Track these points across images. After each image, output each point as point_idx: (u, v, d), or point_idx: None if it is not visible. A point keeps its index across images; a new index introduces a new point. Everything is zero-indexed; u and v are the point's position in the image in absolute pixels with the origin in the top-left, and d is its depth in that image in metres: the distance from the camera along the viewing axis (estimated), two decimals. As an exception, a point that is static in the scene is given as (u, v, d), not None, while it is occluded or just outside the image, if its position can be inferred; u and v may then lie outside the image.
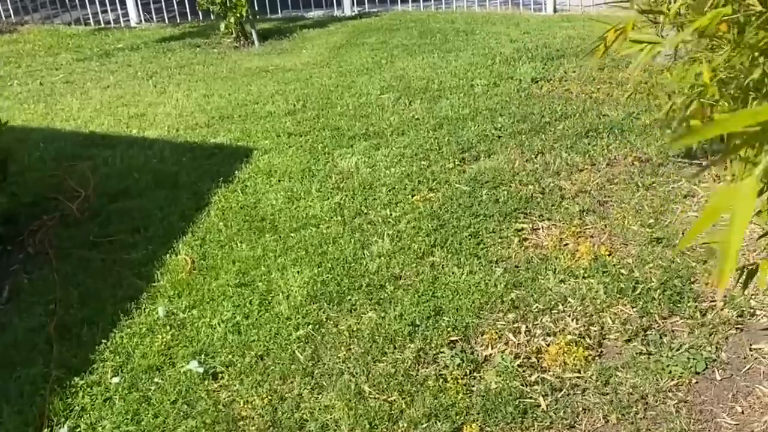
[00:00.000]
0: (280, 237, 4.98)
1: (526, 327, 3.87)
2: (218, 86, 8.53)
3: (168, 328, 4.13)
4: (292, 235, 5.00)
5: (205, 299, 4.36)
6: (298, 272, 4.54)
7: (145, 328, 4.15)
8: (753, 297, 3.87)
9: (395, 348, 3.81)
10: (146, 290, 4.53)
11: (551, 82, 7.39)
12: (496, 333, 3.84)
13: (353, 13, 12.04)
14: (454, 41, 9.56)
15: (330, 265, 4.56)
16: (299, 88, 8.10)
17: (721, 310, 3.84)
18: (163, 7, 12.70)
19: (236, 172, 6.11)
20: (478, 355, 3.73)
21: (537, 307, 4.00)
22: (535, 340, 3.79)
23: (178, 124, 7.46)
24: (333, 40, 10.34)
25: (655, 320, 3.81)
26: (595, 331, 3.79)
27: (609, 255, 4.41)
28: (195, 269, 4.73)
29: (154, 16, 12.78)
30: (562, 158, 5.64)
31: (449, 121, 6.64)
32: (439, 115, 6.83)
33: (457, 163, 5.77)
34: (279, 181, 5.85)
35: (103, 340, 4.05)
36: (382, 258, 4.59)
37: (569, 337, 3.75)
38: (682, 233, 4.52)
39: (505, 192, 5.21)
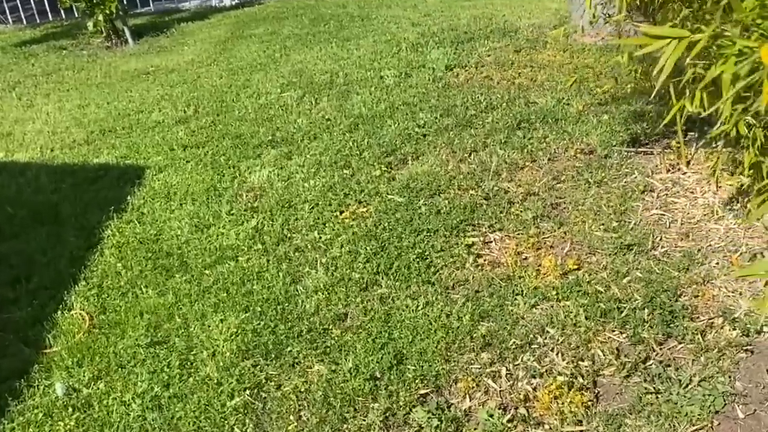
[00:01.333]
0: (192, 276, 4.22)
1: (507, 369, 3.28)
2: (94, 94, 7.57)
3: (71, 410, 3.34)
4: (207, 272, 4.24)
5: (112, 366, 3.58)
6: (221, 320, 3.81)
7: (41, 413, 3.34)
8: (755, 311, 3.41)
9: (356, 411, 3.16)
10: (37, 360, 3.71)
11: (467, 68, 6.84)
12: (473, 380, 3.24)
13: (233, 2, 11.16)
14: (351, 28, 8.89)
15: (259, 308, 3.85)
16: (187, 91, 7.25)
17: (721, 328, 3.36)
18: (19, 5, 11.42)
19: (129, 197, 5.27)
20: (456, 410, 3.12)
21: (514, 342, 3.42)
22: (520, 384, 3.21)
23: (53, 142, 6.51)
24: (216, 34, 9.48)
25: (652, 348, 3.30)
26: (586, 367, 3.24)
27: (578, 268, 3.88)
28: (94, 327, 3.92)
29: (8, 17, 11.47)
30: (499, 156, 5.08)
31: (365, 120, 5.98)
32: (352, 113, 6.16)
33: (383, 169, 5.13)
34: (181, 204, 5.05)
35: (-14, 441, 3.21)
36: (320, 293, 3.91)
37: (559, 378, 3.18)
38: (652, 236, 4.03)
39: (446, 201, 4.61)
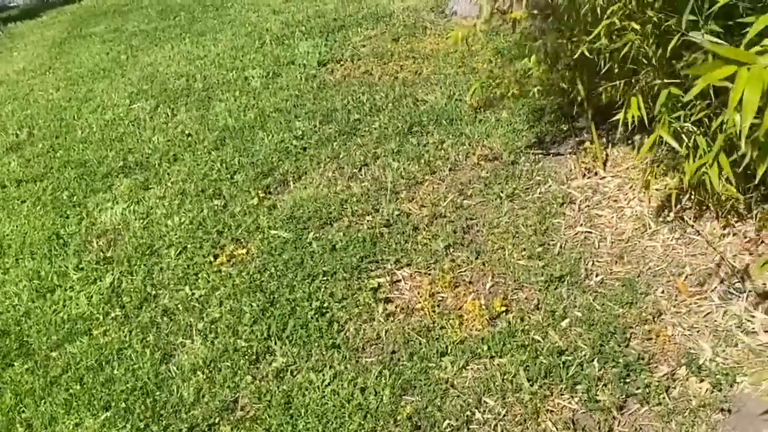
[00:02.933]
0: (36, 363, 3.37)
1: (447, 464, 2.63)
2: None
3: None
4: (54, 355, 3.40)
5: None
6: (76, 425, 3.01)
7: None
8: (721, 355, 2.90)
9: None
10: None
11: (343, 63, 6.11)
12: (407, 485, 2.57)
13: (69, -4, 9.97)
14: (204, 20, 7.97)
15: (123, 404, 3.06)
16: (19, 109, 6.20)
17: (687, 380, 2.83)
18: None
19: (-51, 254, 4.29)
20: None
21: (448, 424, 2.78)
22: (464, 482, 2.56)
23: None
24: (51, 35, 8.33)
25: (612, 415, 2.73)
26: (541, 450, 2.64)
27: (506, 310, 3.28)
28: None
29: None
30: (394, 169, 4.42)
31: (232, 133, 5.18)
32: (216, 125, 5.34)
33: (261, 195, 4.36)
34: (17, 261, 4.14)
35: None
36: (200, 373, 3.15)
37: (512, 470, 2.56)
38: (583, 262, 3.47)
39: (340, 233, 3.90)
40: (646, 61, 3.16)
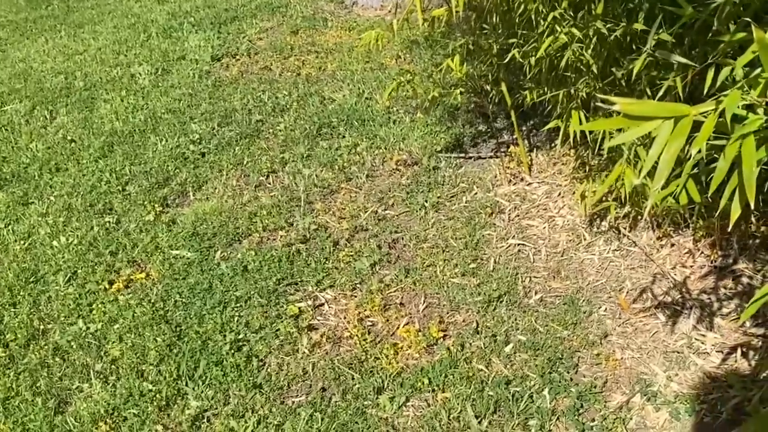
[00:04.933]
0: None
1: None
2: None
3: None
4: (-77, 412, 2.88)
5: None
6: (-47, 498, 2.52)
7: None
8: (675, 380, 2.72)
9: None
10: None
11: (239, 58, 5.68)
12: None
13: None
14: (81, 10, 7.34)
15: (12, 468, 2.59)
16: None
17: (642, 409, 2.64)
18: None
19: None
20: None
21: (394, 475, 2.47)
22: None
23: None
24: None
25: (572, 453, 2.50)
26: (499, 500, 2.38)
27: (444, 336, 3.02)
28: None
29: None
30: (305, 176, 4.07)
31: (121, 138, 4.69)
32: (102, 129, 4.83)
33: (158, 209, 3.94)
34: None
35: None
36: (102, 425, 2.76)
37: None
38: (519, 278, 3.25)
39: (251, 251, 3.54)
40: (584, 69, 2.93)
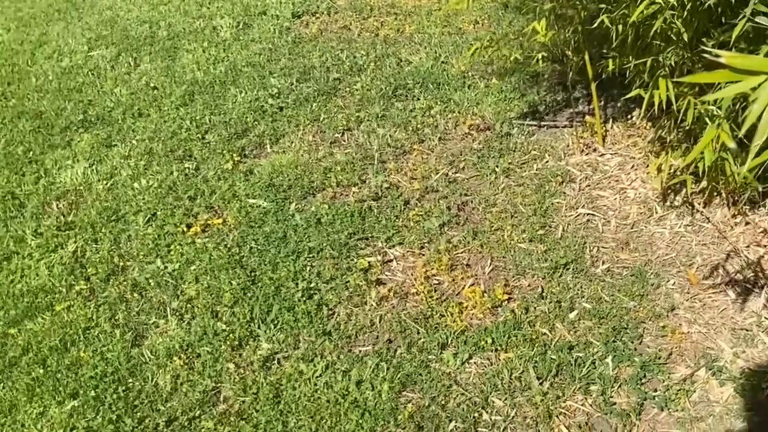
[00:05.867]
0: (-10, 341, 3.03)
1: (454, 471, 2.42)
2: None
3: None
4: (13, 333, 3.08)
5: None
6: (39, 415, 2.71)
7: None
8: (742, 357, 2.73)
9: None
10: None
11: (318, 16, 5.75)
12: (412, 494, 2.35)
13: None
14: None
15: (93, 391, 2.77)
16: (-35, 50, 5.70)
17: (706, 383, 2.66)
18: None
19: None
20: None
21: (454, 426, 2.56)
22: (474, 493, 2.36)
23: None
24: (-2, -31, 7.72)
25: (631, 420, 2.54)
26: (556, 457, 2.44)
27: (509, 299, 3.06)
28: None
29: None
30: (379, 135, 4.13)
31: (202, 88, 4.82)
32: (183, 78, 4.96)
33: (236, 159, 4.05)
34: (-33, 222, 3.76)
35: None
36: (177, 359, 2.87)
37: (526, 481, 2.36)
38: (587, 247, 3.27)
39: (325, 205, 3.63)
40: (674, 38, 2.91)
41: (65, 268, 3.39)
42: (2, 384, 2.86)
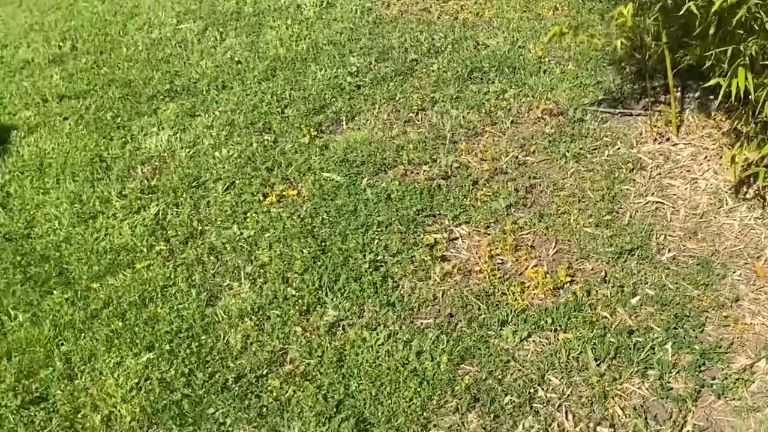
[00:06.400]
0: (76, 293, 3.25)
1: (506, 442, 2.51)
2: (-57, 20, 6.18)
3: None
4: (95, 287, 3.28)
5: (-34, 442, 2.62)
6: (117, 364, 2.89)
7: None
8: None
9: None
10: None
11: (400, -2, 5.82)
12: (464, 460, 2.45)
13: None
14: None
15: (168, 345, 2.94)
16: (62, 20, 6.00)
17: (767, 374, 2.66)
18: None
19: (-10, 169, 4.16)
20: (444, 506, 2.34)
21: (509, 399, 2.64)
22: (524, 464, 2.44)
23: None
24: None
25: (687, 406, 2.58)
26: (607, 435, 2.51)
27: (572, 281, 3.11)
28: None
29: None
30: (452, 117, 4.21)
31: (283, 64, 4.96)
32: (266, 54, 5.12)
33: (313, 133, 4.18)
34: (58, 182, 4.01)
35: None
36: (248, 320, 3.02)
37: (576, 456, 2.43)
38: (654, 235, 3.29)
39: (395, 182, 3.73)
40: (757, 27, 2.90)
41: (147, 229, 3.58)
42: (83, 334, 3.06)
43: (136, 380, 2.81)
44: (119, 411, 2.70)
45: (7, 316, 3.17)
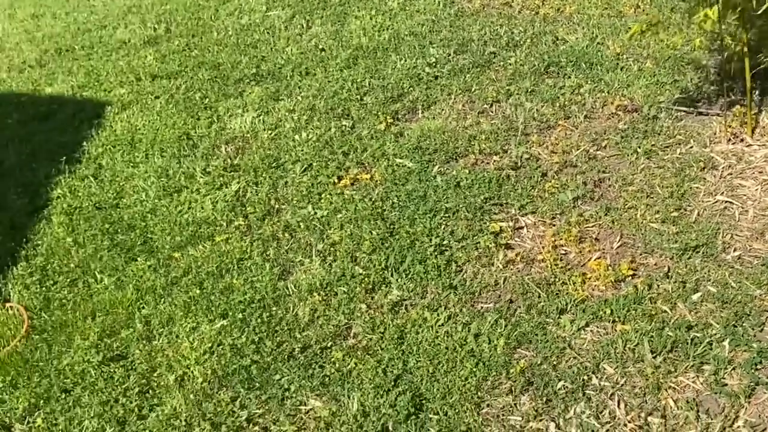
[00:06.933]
0: (158, 261, 3.47)
1: (555, 425, 2.60)
2: (50, 1, 6.54)
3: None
4: (177, 256, 3.49)
5: (53, 392, 2.88)
6: (192, 329, 3.09)
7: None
8: None
9: (363, 478, 2.47)
10: (-39, 378, 2.96)
11: (483, -9, 5.89)
12: (513, 439, 2.55)
13: None
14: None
15: (240, 314, 3.12)
16: (159, 3, 6.30)
17: (822, 373, 2.67)
18: None
19: (85, 143, 4.45)
20: (491, 479, 2.44)
21: (563, 385, 2.72)
22: (572, 447, 2.53)
23: (0, 62, 5.57)
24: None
25: (740, 401, 2.61)
26: (657, 425, 2.57)
27: (634, 274, 3.16)
28: (34, 329, 3.18)
29: None
30: (526, 109, 4.28)
31: (365, 53, 5.11)
32: (350, 42, 5.28)
33: (389, 120, 4.31)
34: (147, 156, 4.24)
35: None
36: (316, 295, 3.18)
37: (623, 442, 2.50)
38: (721, 233, 3.30)
39: (466, 170, 3.83)
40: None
41: (227, 204, 3.77)
42: (163, 299, 3.26)
43: (210, 345, 3.00)
44: (192, 372, 2.89)
45: (93, 279, 3.40)
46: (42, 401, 2.84)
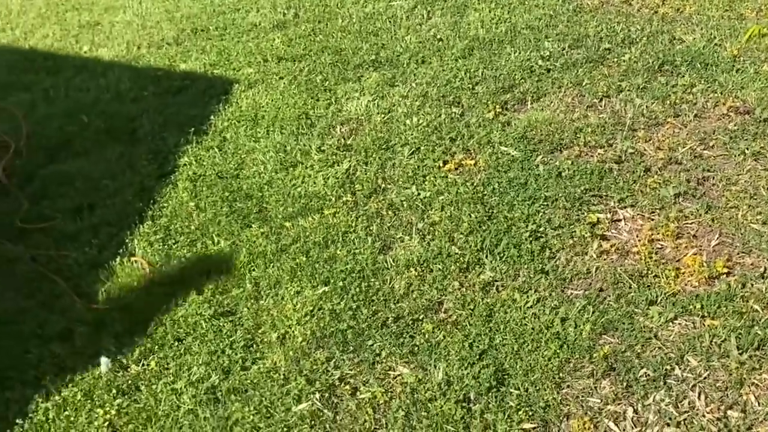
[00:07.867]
0: (271, 229, 3.72)
1: (633, 410, 2.69)
2: (190, -16, 6.96)
3: (114, 393, 2.94)
4: (288, 225, 3.73)
5: (167, 340, 3.16)
6: (297, 293, 3.31)
7: (80, 393, 2.94)
8: None
9: (443, 440, 2.63)
10: (85, 320, 3.29)
11: (604, -12, 5.90)
12: (590, 419, 2.67)
13: None
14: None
15: (341, 282, 3.32)
16: (289, -10, 6.57)
17: None
18: None
19: (212, 116, 4.77)
20: (564, 455, 2.56)
21: (644, 372, 2.80)
22: None
23: (141, 39, 6.03)
24: None
25: (820, 402, 2.62)
26: (736, 419, 2.61)
27: (729, 272, 3.19)
28: (154, 281, 3.48)
29: None
30: (636, 105, 4.31)
31: (481, 44, 5.23)
32: (467, 34, 5.41)
33: (498, 110, 4.43)
34: (268, 132, 4.51)
35: (17, 420, 2.84)
36: (413, 270, 3.35)
37: None
38: (824, 238, 3.27)
39: (568, 161, 3.91)
40: None
41: (338, 181, 3.99)
42: (272, 264, 3.51)
43: (311, 308, 3.22)
44: (293, 332, 3.12)
45: (211, 241, 3.68)
46: (157, 347, 3.13)
